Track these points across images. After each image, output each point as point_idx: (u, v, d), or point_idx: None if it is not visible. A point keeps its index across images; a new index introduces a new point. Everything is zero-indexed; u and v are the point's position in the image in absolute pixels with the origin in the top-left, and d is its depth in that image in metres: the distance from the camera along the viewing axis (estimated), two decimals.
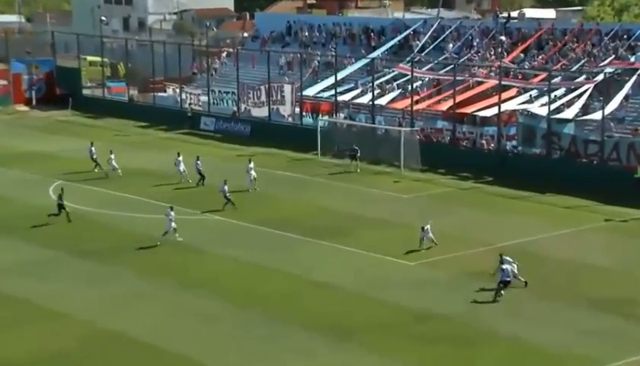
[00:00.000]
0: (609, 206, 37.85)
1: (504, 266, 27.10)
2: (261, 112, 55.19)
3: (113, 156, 43.61)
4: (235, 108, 56.88)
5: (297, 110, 53.69)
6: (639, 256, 31.59)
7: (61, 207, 35.41)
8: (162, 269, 30.24)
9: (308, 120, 52.86)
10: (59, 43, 71.35)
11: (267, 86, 54.79)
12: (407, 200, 39.81)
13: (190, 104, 58.95)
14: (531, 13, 70.98)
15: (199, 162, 41.92)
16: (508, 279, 26.95)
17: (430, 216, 35.57)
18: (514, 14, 66.86)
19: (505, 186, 41.49)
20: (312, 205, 38.20)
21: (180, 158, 42.05)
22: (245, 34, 76.34)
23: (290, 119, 54.04)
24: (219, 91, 58.48)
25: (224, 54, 65.93)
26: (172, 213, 32.74)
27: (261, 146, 50.88)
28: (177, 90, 60.30)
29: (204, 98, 58.71)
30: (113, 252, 31.95)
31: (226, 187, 36.97)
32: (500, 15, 58.30)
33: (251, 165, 41.08)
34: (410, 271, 29.90)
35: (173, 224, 32.55)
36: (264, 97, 54.88)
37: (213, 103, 58.18)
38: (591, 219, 35.68)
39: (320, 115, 51.75)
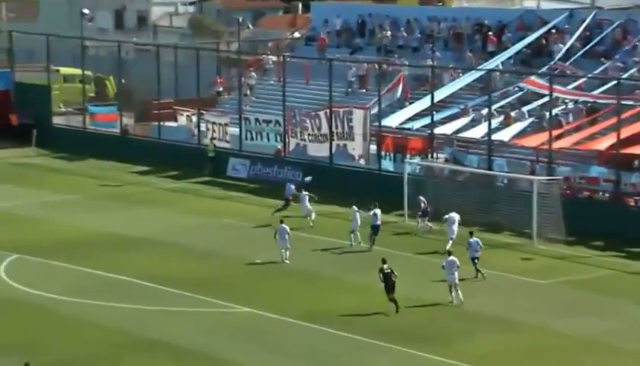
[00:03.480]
0: None
1: (471, 239, 39.10)
2: (320, 150, 55.15)
3: None
4: (280, 145, 57.03)
5: (373, 147, 53.61)
6: None
7: (392, 296, 35.42)
8: None
9: (387, 163, 52.71)
10: (19, 47, 72.65)
11: (327, 112, 54.84)
12: (544, 287, 39.19)
13: (212, 138, 59.40)
14: None
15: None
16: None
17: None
18: None
19: None
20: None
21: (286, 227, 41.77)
22: (296, 34, 76.92)
23: (362, 161, 53.89)
24: (256, 120, 58.84)
25: (266, 64, 66.24)
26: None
27: (322, 201, 49.72)
28: (194, 118, 60.89)
29: (233, 130, 59.06)
30: (90, 362, 31.89)
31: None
32: None
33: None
34: None
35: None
36: (325, 129, 54.78)
37: (247, 137, 58.54)
38: None
39: (408, 156, 51.57)
